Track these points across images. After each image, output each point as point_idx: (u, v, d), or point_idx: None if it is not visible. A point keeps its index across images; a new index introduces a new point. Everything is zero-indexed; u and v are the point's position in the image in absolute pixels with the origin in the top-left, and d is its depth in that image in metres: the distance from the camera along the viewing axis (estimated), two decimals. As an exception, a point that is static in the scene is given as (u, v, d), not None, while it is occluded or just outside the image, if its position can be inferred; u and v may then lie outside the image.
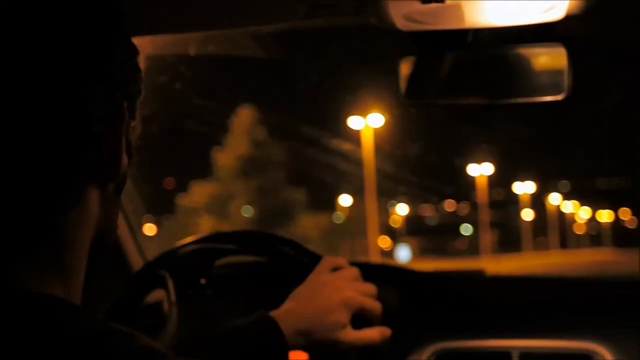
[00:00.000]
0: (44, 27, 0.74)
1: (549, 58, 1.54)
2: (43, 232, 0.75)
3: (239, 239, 1.76)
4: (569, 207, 51.00)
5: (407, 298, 1.83)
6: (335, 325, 1.34)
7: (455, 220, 46.81)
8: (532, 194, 46.29)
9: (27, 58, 0.73)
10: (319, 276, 1.41)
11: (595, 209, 51.60)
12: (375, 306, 1.40)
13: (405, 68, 1.59)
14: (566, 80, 1.51)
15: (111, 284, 1.56)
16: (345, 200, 36.00)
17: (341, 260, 1.46)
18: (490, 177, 39.61)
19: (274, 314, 1.33)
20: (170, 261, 1.74)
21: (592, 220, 53.00)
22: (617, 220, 51.67)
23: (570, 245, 48.72)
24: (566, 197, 50.04)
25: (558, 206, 49.54)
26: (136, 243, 2.17)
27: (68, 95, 0.74)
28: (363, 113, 22.70)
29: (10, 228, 0.74)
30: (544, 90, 1.54)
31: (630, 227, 51.16)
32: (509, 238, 43.43)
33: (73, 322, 0.71)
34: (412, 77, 1.59)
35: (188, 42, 1.70)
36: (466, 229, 43.64)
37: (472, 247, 41.03)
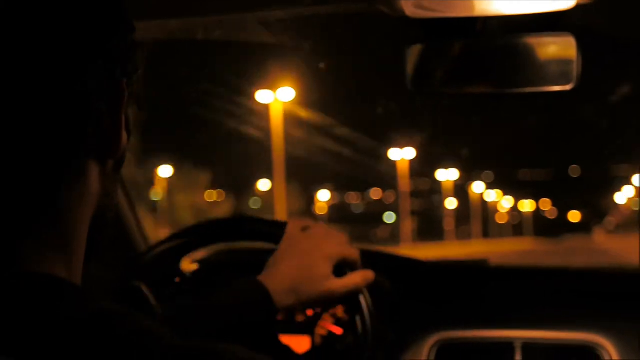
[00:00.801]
0: (41, 2, 0.73)
1: (558, 48, 1.54)
2: (43, 208, 0.74)
3: (201, 230, 1.71)
4: (492, 196, 51.75)
5: (410, 287, 1.83)
6: (320, 277, 1.36)
7: (381, 209, 47.26)
8: (456, 182, 46.63)
9: (23, 33, 0.72)
10: (292, 238, 1.42)
11: (517, 199, 52.62)
12: (353, 252, 1.43)
13: (412, 56, 1.58)
14: (575, 70, 1.51)
15: (115, 269, 1.55)
16: (264, 184, 35.77)
17: (307, 221, 1.47)
18: (414, 164, 39.69)
19: (260, 278, 1.35)
20: (141, 270, 1.69)
21: (515, 210, 54.01)
22: (538, 210, 52.89)
23: (492, 234, 49.44)
24: (490, 187, 50.93)
25: (481, 195, 50.22)
26: (138, 224, 2.13)
27: (66, 71, 0.73)
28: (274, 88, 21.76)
29: (10, 205, 0.73)
30: (552, 80, 1.54)
31: (550, 217, 52.41)
32: (432, 226, 43.85)
33: (74, 304, 0.70)
34: (420, 65, 1.58)
35: (195, 27, 1.67)
36: (389, 217, 44.12)
37: (395, 235, 41.39)
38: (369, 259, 1.51)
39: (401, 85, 1.59)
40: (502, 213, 54.35)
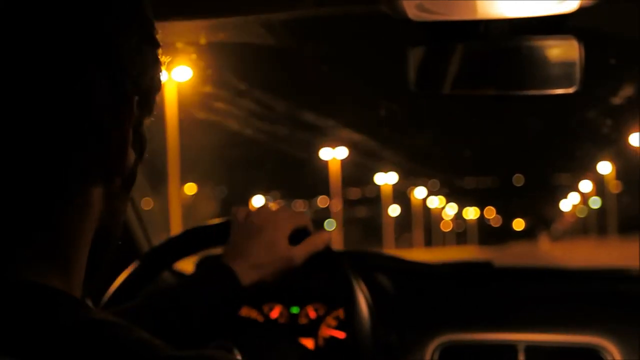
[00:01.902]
0: (45, 7, 0.70)
1: (561, 50, 1.55)
2: (42, 222, 0.72)
3: (150, 261, 1.66)
4: (435, 202, 50.64)
5: (413, 289, 1.83)
6: (278, 249, 1.40)
7: (327, 216, 46.72)
8: (399, 189, 45.30)
9: (27, 41, 0.69)
10: (239, 226, 1.45)
11: (462, 207, 52.39)
12: (302, 219, 1.47)
13: (415, 58, 1.58)
14: (578, 73, 1.52)
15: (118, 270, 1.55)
16: (191, 188, 34.44)
17: (247, 208, 1.50)
18: (355, 169, 38.43)
19: (222, 260, 1.39)
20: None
21: (459, 217, 53.82)
22: (482, 218, 53.10)
23: (436, 242, 48.85)
24: (435, 194, 50.50)
25: (424, 200, 49.42)
26: (143, 228, 2.11)
27: (68, 82, 0.70)
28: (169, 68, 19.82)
29: (9, 218, 0.71)
30: (555, 83, 1.55)
31: (495, 225, 52.74)
32: (374, 234, 43.22)
33: (69, 314, 0.69)
34: (423, 67, 1.58)
35: (198, 30, 1.65)
36: (330, 224, 43.56)
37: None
38: (372, 261, 1.50)
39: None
40: (447, 221, 54.03)
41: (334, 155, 35.90)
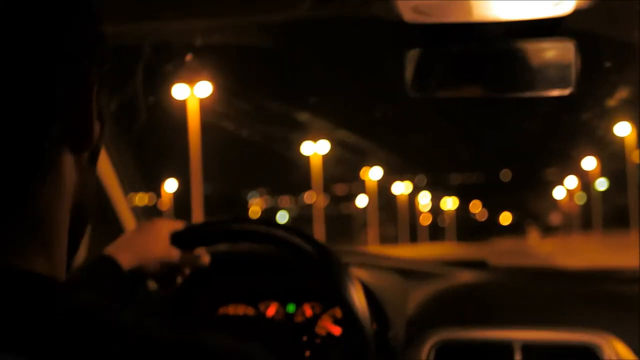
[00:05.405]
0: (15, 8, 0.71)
1: (556, 52, 1.56)
2: (18, 202, 0.73)
3: None
4: (400, 188, 44.26)
5: (412, 287, 1.84)
6: (155, 244, 1.57)
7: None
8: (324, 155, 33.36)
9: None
10: (129, 233, 1.64)
11: (439, 197, 47.96)
12: (178, 224, 1.61)
13: (411, 60, 1.59)
14: (573, 75, 1.53)
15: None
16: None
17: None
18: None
19: (105, 251, 1.54)
20: None
21: (440, 211, 49.83)
22: (467, 212, 51.52)
23: (402, 238, 41.61)
24: (421, 190, 47.37)
25: (378, 182, 40.23)
26: (129, 208, 2.11)
27: (29, 61, 0.72)
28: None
29: None
30: (551, 85, 1.56)
31: (480, 219, 51.43)
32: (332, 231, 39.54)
33: (54, 300, 0.69)
34: (419, 70, 1.59)
35: (194, 31, 1.65)
36: (282, 217, 42.19)
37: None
38: (368, 260, 1.51)
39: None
40: (425, 213, 50.07)
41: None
